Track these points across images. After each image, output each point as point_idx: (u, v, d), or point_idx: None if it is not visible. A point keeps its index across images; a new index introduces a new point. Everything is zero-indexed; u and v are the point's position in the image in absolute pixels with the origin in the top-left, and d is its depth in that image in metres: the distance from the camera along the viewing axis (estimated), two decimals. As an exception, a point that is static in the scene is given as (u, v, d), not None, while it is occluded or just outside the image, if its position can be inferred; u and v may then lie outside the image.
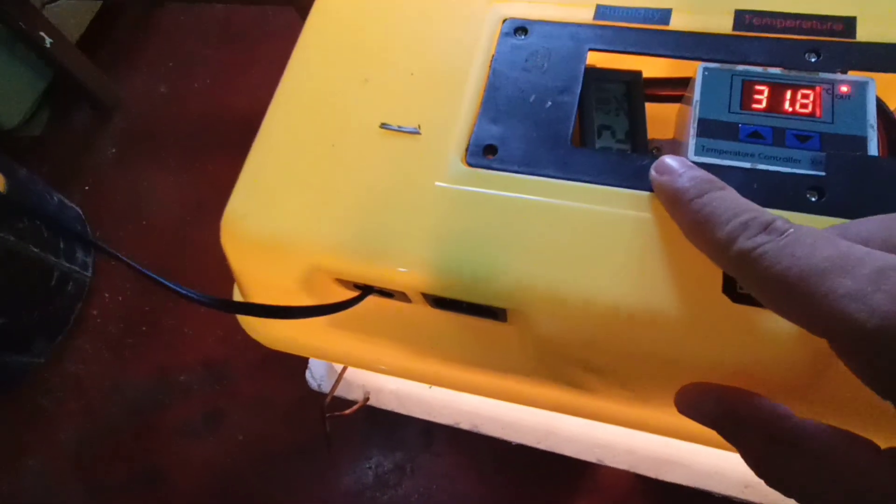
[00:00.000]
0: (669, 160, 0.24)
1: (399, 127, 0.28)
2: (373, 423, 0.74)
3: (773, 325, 0.21)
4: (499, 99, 0.28)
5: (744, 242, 0.18)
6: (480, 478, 0.70)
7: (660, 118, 0.32)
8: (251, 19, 1.12)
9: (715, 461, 0.44)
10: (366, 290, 0.27)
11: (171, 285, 0.30)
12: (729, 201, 0.21)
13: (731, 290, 0.22)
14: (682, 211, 0.22)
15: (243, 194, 0.28)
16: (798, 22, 0.27)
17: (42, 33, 0.93)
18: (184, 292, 0.29)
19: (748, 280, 0.19)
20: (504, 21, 0.30)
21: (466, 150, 0.27)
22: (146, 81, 1.12)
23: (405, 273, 0.25)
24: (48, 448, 0.84)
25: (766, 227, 0.18)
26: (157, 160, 1.04)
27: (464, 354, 0.29)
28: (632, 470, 0.45)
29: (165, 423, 0.83)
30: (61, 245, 0.85)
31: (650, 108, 0.31)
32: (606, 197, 0.25)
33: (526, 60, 0.29)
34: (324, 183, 0.27)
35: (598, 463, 0.46)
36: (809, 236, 0.17)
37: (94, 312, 0.92)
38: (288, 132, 0.29)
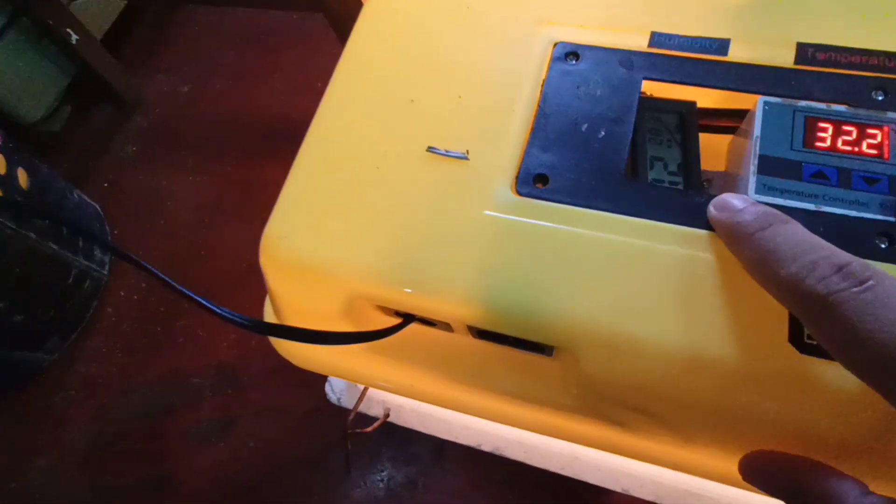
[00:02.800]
0: (729, 197, 0.23)
1: (447, 151, 0.27)
2: (386, 436, 0.73)
3: (844, 381, 0.20)
4: (549, 126, 0.27)
5: (815, 284, 0.17)
6: (492, 497, 0.69)
7: (710, 149, 0.31)
8: (275, 23, 1.12)
9: (744, 498, 0.43)
10: (407, 318, 0.27)
11: (206, 303, 0.29)
12: (797, 236, 0.20)
13: (799, 339, 0.21)
14: (744, 245, 0.21)
15: (284, 214, 0.28)
16: (864, 58, 0.26)
17: (68, 29, 0.93)
18: (220, 312, 0.28)
19: (818, 327, 0.18)
20: (555, 45, 0.29)
21: (516, 178, 0.27)
22: (168, 81, 1.12)
23: (450, 304, 0.24)
24: (58, 447, 0.84)
25: (841, 269, 0.17)
26: (176, 160, 1.04)
27: (505, 385, 0.29)
28: (657, 501, 0.44)
29: (176, 426, 0.82)
30: (80, 243, 0.85)
31: (703, 138, 0.30)
32: (662, 233, 0.24)
33: (578, 87, 0.28)
34: (367, 206, 0.27)
35: (623, 492, 0.45)
36: (894, 294, 0.16)
37: (109, 310, 0.92)
38: (331, 151, 0.29)
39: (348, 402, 0.49)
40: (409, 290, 0.25)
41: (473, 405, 0.30)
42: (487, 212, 0.26)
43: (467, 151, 0.27)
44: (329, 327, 0.28)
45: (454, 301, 0.24)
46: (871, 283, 0.17)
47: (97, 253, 0.90)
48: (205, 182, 1.01)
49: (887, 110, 0.25)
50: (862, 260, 0.18)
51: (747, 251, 0.21)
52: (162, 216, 0.99)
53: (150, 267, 0.32)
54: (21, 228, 0.73)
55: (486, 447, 0.47)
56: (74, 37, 0.94)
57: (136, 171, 1.04)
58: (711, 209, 0.23)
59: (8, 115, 0.99)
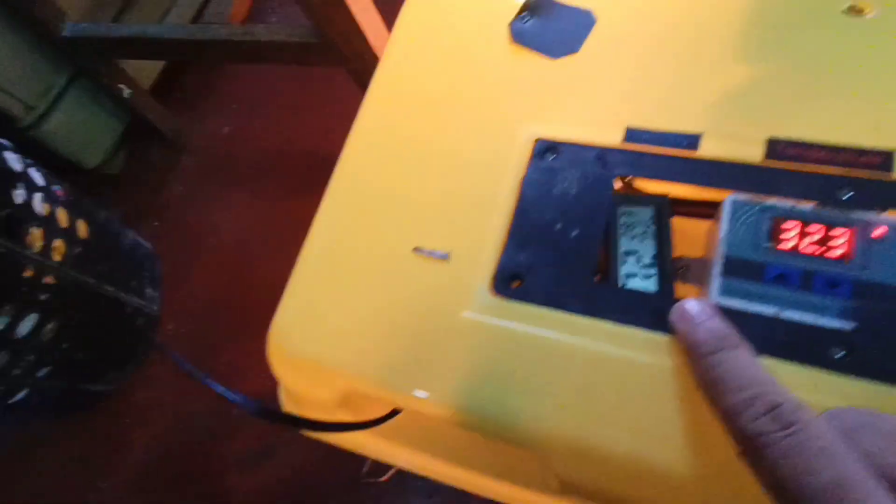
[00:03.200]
0: (689, 305, 0.24)
1: (430, 252, 0.30)
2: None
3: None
4: (527, 225, 0.29)
5: (747, 423, 0.19)
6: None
7: (690, 232, 0.32)
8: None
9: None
10: (395, 410, 0.29)
11: (223, 391, 0.32)
12: (739, 367, 0.21)
13: (750, 451, 0.22)
14: (696, 365, 0.22)
15: (288, 311, 0.30)
16: (832, 154, 0.27)
17: (121, 85, 1.01)
18: (232, 398, 0.31)
19: (749, 464, 0.19)
20: (536, 141, 0.31)
21: (494, 277, 0.28)
22: (213, 123, 1.19)
23: (429, 406, 0.27)
24: (116, 470, 0.91)
25: (772, 410, 0.18)
26: (221, 198, 1.11)
27: (491, 467, 0.30)
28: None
29: (221, 453, 0.88)
30: (133, 283, 0.92)
31: (679, 222, 0.31)
32: (631, 339, 0.25)
33: (554, 185, 0.30)
34: (360, 307, 0.29)
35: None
36: (814, 442, 0.17)
37: (161, 342, 0.99)
38: (329, 250, 0.31)
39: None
40: (392, 391, 0.27)
41: (466, 481, 0.32)
42: (466, 313, 0.28)
43: (449, 252, 0.29)
44: (330, 412, 0.31)
45: (433, 404, 0.26)
46: (794, 427, 0.18)
47: (148, 291, 0.97)
48: (248, 219, 1.07)
49: (853, 209, 0.26)
50: (795, 400, 0.19)
51: (698, 372, 0.22)
52: (209, 253, 1.06)
53: (178, 358, 0.36)
54: (82, 275, 0.80)
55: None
56: (127, 91, 1.02)
57: (185, 209, 1.12)
58: (672, 315, 0.25)
59: (71, 162, 1.08)
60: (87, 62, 0.96)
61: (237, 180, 1.13)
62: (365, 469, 0.47)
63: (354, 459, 0.82)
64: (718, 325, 0.23)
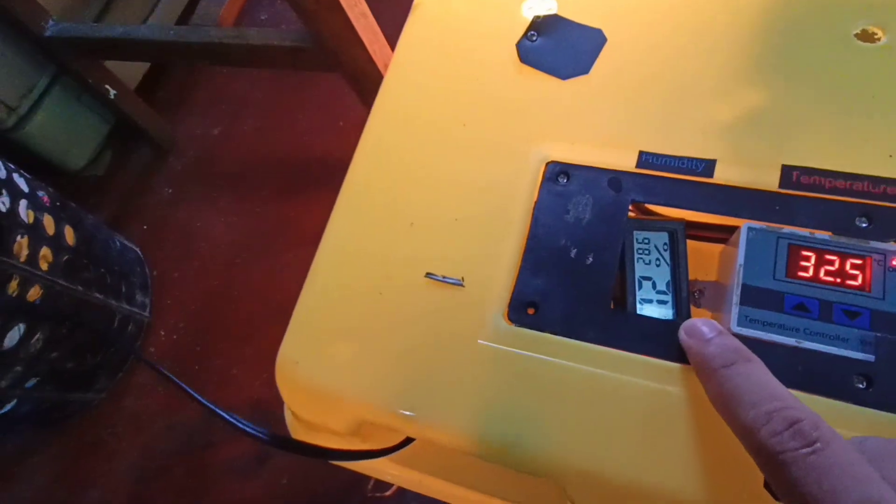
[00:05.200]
0: (700, 323, 0.24)
1: (444, 277, 0.29)
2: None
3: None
4: (540, 251, 0.29)
5: (767, 438, 0.18)
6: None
7: (704, 255, 0.32)
8: (298, 62, 1.16)
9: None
10: (408, 438, 0.29)
11: (227, 417, 0.32)
12: (755, 380, 0.21)
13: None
14: (709, 380, 0.22)
15: (295, 339, 0.30)
16: (849, 183, 0.27)
17: (107, 86, 0.99)
18: (241, 426, 0.31)
19: (771, 479, 0.19)
20: (547, 164, 0.31)
21: (509, 304, 0.28)
22: (200, 123, 1.17)
23: (443, 435, 0.26)
24: (107, 480, 0.90)
25: (792, 426, 0.18)
26: (210, 200, 1.09)
27: (505, 493, 0.30)
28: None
29: (215, 461, 0.87)
30: (123, 289, 0.91)
31: (694, 245, 0.31)
32: (647, 369, 0.25)
33: (567, 211, 0.29)
34: (371, 334, 0.29)
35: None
36: (838, 462, 0.17)
37: (152, 350, 0.97)
38: (338, 276, 0.31)
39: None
40: (405, 420, 0.26)
41: (478, 506, 0.32)
42: (481, 340, 0.27)
43: (463, 278, 0.29)
44: (340, 440, 0.30)
45: (446, 432, 0.26)
46: (817, 445, 0.18)
47: (139, 296, 0.95)
48: (236, 221, 1.06)
49: (871, 239, 0.25)
50: (815, 417, 0.19)
51: (711, 386, 0.22)
52: (197, 256, 1.04)
53: (166, 372, 0.35)
54: (70, 283, 0.78)
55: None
56: (112, 91, 0.99)
57: (173, 212, 1.10)
58: (682, 332, 0.24)
59: (55, 163, 1.05)
60: (71, 62, 0.93)
61: (223, 184, 1.11)
62: (370, 485, 0.47)
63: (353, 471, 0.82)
64: (730, 340, 0.23)
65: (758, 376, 0.21)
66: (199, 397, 0.33)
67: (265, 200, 1.06)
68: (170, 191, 1.12)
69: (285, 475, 0.83)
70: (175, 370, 0.96)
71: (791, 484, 0.17)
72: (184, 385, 0.34)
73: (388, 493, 0.47)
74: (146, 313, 0.97)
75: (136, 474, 0.89)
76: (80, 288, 0.80)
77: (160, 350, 0.97)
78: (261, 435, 0.30)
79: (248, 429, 0.30)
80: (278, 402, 0.92)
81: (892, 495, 0.16)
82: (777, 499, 0.22)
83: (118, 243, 0.96)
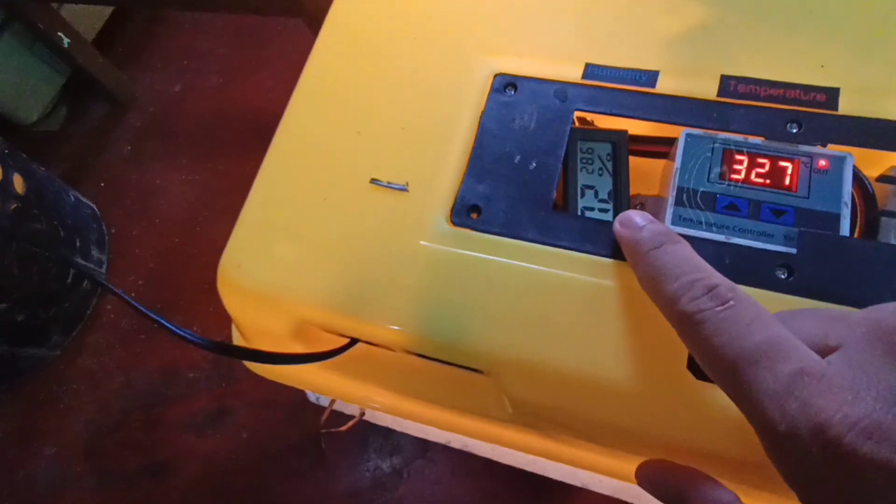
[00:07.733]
0: (633, 214, 0.25)
1: (388, 183, 0.29)
2: (371, 428, 0.76)
3: (729, 403, 0.22)
4: (485, 157, 0.29)
5: (686, 304, 0.19)
6: (474, 485, 0.72)
7: (646, 172, 0.32)
8: (263, 19, 1.13)
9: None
10: (352, 340, 0.29)
11: (170, 326, 0.31)
12: (680, 256, 0.21)
13: (695, 366, 0.23)
14: (639, 262, 0.23)
15: (239, 244, 0.29)
16: (782, 91, 0.28)
17: (60, 34, 0.95)
18: (181, 333, 0.30)
19: (687, 343, 0.20)
20: (495, 76, 0.31)
21: (452, 208, 0.28)
22: (161, 79, 1.13)
23: (385, 332, 0.26)
24: (62, 437, 0.88)
25: (710, 291, 0.19)
26: (170, 158, 1.06)
27: (446, 398, 0.31)
28: (614, 495, 0.47)
29: (173, 417, 0.86)
30: (77, 243, 0.88)
31: (637, 161, 0.31)
32: (583, 265, 0.26)
33: (514, 119, 0.30)
34: (315, 237, 0.28)
35: (582, 487, 0.47)
36: (748, 313, 0.18)
37: (108, 307, 0.95)
38: (283, 183, 0.30)
39: (326, 401, 0.52)
40: (348, 318, 0.27)
41: (422, 415, 0.32)
42: (423, 242, 0.27)
43: (407, 183, 0.29)
44: (283, 347, 0.30)
45: (389, 329, 0.26)
46: (730, 303, 0.18)
47: (94, 252, 0.92)
48: (196, 180, 1.03)
49: (800, 143, 0.26)
50: (730, 283, 0.20)
51: (641, 267, 0.22)
52: (157, 214, 1.01)
53: (126, 296, 0.34)
54: (18, 232, 0.75)
55: (455, 444, 0.50)
56: (66, 40, 0.95)
57: (132, 170, 1.07)
58: (616, 224, 0.25)
59: (5, 116, 1.01)
60: (19, 4, 0.89)
61: (184, 141, 1.08)
62: (323, 419, 0.47)
63: (313, 418, 0.82)
64: (660, 226, 0.23)
65: (683, 253, 0.21)
66: (145, 310, 0.33)
67: (227, 158, 1.04)
68: (129, 148, 1.09)
69: (245, 429, 0.83)
70: (134, 327, 0.94)
71: (705, 339, 0.18)
72: (139, 305, 0.33)
73: (343, 428, 0.48)
74: (103, 270, 0.95)
75: (92, 430, 0.87)
76: (29, 238, 0.77)
77: (118, 307, 0.95)
78: (202, 342, 0.29)
79: (188, 336, 0.29)
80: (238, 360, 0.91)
81: (792, 338, 0.17)
82: (697, 376, 0.23)
83: (72, 198, 0.93)
